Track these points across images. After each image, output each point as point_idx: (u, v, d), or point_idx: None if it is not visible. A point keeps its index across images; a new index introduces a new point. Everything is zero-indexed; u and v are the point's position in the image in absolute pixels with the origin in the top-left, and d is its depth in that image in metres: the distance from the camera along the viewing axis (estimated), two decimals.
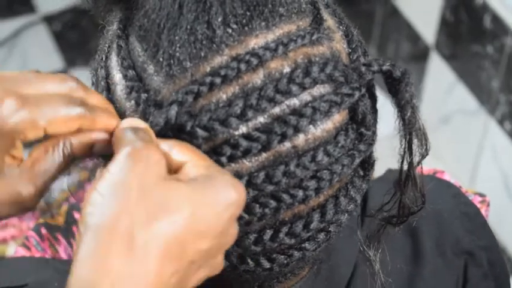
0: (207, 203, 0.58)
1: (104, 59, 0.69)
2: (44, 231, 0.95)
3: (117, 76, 0.67)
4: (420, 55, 2.41)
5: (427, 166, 0.86)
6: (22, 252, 0.94)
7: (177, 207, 0.57)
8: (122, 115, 0.66)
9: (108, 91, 0.68)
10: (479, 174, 2.26)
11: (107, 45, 0.70)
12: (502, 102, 2.13)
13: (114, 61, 0.68)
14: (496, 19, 2.08)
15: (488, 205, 1.00)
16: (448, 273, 0.90)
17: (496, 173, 2.20)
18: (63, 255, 0.94)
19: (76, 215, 0.97)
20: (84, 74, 2.52)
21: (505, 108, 2.12)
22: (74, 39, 2.54)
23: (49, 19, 2.59)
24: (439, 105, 2.36)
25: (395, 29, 2.50)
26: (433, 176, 0.98)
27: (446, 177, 0.99)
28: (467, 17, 2.18)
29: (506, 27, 2.05)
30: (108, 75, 0.68)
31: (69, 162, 0.63)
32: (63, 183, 1.12)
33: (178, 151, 0.61)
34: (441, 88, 2.33)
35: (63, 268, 0.88)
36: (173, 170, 0.61)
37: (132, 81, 0.66)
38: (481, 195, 1.01)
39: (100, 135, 0.63)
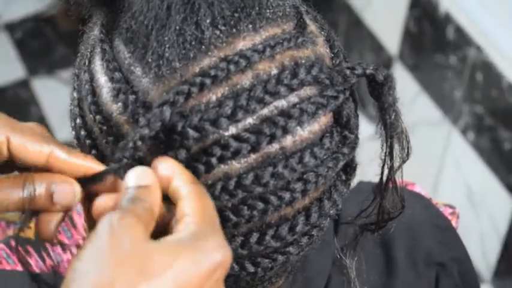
0: (191, 267, 0.57)
1: (86, 63, 0.69)
2: (13, 243, 0.94)
3: (102, 79, 0.67)
4: (383, 65, 2.42)
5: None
6: None
7: (159, 273, 0.56)
8: (108, 117, 0.66)
9: (93, 94, 0.67)
10: (442, 184, 2.28)
11: (89, 50, 0.70)
12: (465, 112, 2.15)
13: (98, 65, 0.68)
14: (459, 30, 2.10)
15: (458, 217, 1.01)
16: (420, 284, 0.91)
17: (458, 183, 2.22)
18: (35, 269, 0.92)
19: None
20: (46, 83, 2.50)
21: (468, 119, 2.14)
22: (36, 48, 2.51)
23: (10, 27, 2.57)
24: (403, 115, 2.36)
25: (358, 39, 2.52)
26: (404, 187, 0.99)
27: (417, 189, 1.00)
28: (431, 27, 2.20)
29: (468, 38, 2.07)
30: (92, 79, 0.68)
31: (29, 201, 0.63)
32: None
33: (187, 203, 0.60)
34: (405, 98, 2.34)
35: (29, 281, 0.87)
36: (176, 219, 0.60)
37: (119, 83, 0.65)
38: (451, 207, 1.02)
39: (63, 186, 0.63)
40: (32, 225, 0.96)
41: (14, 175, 0.63)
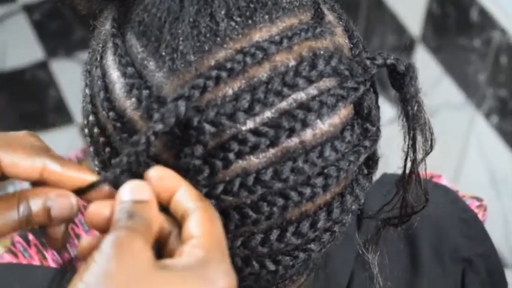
0: None
1: (98, 58, 0.67)
2: (31, 237, 0.93)
3: (115, 74, 0.65)
4: (406, 47, 2.40)
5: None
6: (8, 258, 0.92)
7: None
8: (122, 113, 0.64)
9: (106, 90, 0.65)
10: (465, 168, 2.26)
11: (100, 45, 0.68)
12: (488, 96, 2.12)
13: (110, 60, 0.66)
14: (483, 12, 2.07)
15: (485, 209, 0.99)
16: (445, 281, 0.89)
17: (482, 167, 2.19)
18: (51, 262, 0.91)
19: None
20: (65, 64, 2.50)
21: (491, 102, 2.11)
22: (55, 29, 2.50)
23: (29, 8, 2.56)
24: (425, 99, 2.34)
25: (380, 22, 2.49)
26: (429, 180, 0.97)
27: (444, 181, 0.97)
28: (454, 10, 2.17)
29: (493, 21, 2.04)
30: (104, 75, 0.66)
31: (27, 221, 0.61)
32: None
33: (195, 223, 0.58)
34: (427, 81, 2.32)
35: (50, 276, 0.86)
36: (181, 240, 0.58)
37: (132, 78, 0.63)
38: (478, 199, 1.00)
39: (59, 201, 0.61)
40: None
41: (7, 195, 0.61)
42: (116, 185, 0.60)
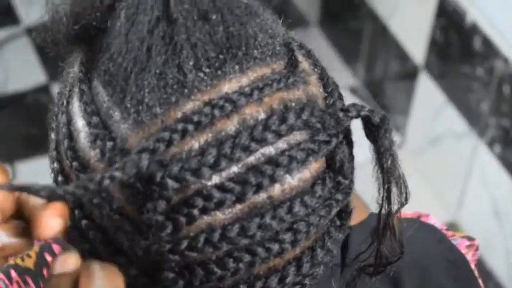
0: None
1: (65, 103, 0.66)
2: (13, 274, 0.91)
3: (80, 123, 0.63)
4: (409, 74, 2.39)
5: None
6: None
7: None
8: (86, 164, 0.62)
9: (71, 139, 0.64)
10: (467, 197, 2.24)
11: (67, 89, 0.66)
12: (491, 125, 2.10)
13: (76, 106, 0.64)
14: (486, 41, 2.05)
15: (477, 249, 0.97)
16: None
17: (484, 196, 2.18)
18: None
19: (47, 257, 0.94)
20: None
21: (494, 131, 2.10)
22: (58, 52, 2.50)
23: (32, 32, 2.56)
24: (428, 126, 2.33)
25: (384, 48, 2.48)
26: (416, 219, 0.95)
27: (432, 220, 0.96)
28: (457, 38, 2.16)
29: (496, 50, 2.03)
30: (70, 122, 0.64)
31: None
32: None
33: None
34: (430, 109, 2.30)
35: None
36: None
37: (96, 128, 0.62)
38: (470, 238, 0.98)
39: None
40: (33, 254, 0.93)
41: None
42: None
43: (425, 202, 2.22)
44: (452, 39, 2.18)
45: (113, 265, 0.59)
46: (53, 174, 0.68)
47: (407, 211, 0.90)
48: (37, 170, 2.25)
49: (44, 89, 2.44)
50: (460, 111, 2.21)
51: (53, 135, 0.67)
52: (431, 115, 2.30)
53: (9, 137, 2.34)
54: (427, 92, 2.31)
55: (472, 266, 0.93)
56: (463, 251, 0.94)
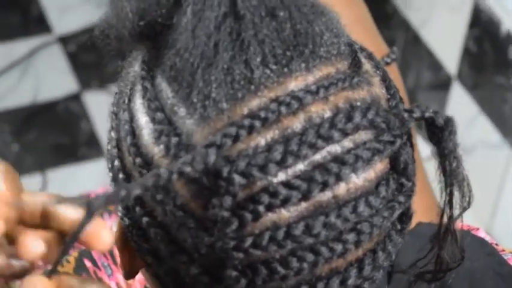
0: None
1: (126, 101, 0.66)
2: None
3: (143, 119, 0.63)
4: (442, 85, 2.38)
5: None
6: None
7: None
8: (149, 160, 0.62)
9: (133, 135, 0.64)
10: (500, 210, 2.22)
11: (128, 87, 0.66)
12: None
13: (138, 104, 0.64)
14: None
15: None
16: None
17: None
18: None
19: (87, 263, 0.93)
20: (98, 96, 2.49)
21: None
22: (89, 61, 2.51)
23: (64, 40, 2.57)
24: (461, 137, 2.31)
25: (416, 57, 2.47)
26: (468, 231, 0.94)
27: (481, 234, 0.95)
28: (491, 47, 2.15)
29: None
30: (132, 119, 0.64)
31: None
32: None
33: None
34: (463, 119, 2.29)
35: None
36: None
37: (161, 124, 0.62)
38: None
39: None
40: (72, 259, 0.93)
41: None
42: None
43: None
44: (486, 49, 2.17)
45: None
46: (111, 173, 0.68)
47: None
48: (68, 179, 2.26)
49: (75, 97, 2.45)
50: (493, 121, 2.19)
51: (112, 134, 0.67)
52: (464, 125, 2.29)
53: (39, 146, 2.35)
54: (460, 103, 2.30)
55: None
56: None
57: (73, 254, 0.94)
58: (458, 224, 0.70)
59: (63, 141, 2.36)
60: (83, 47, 2.54)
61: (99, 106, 2.40)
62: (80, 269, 0.93)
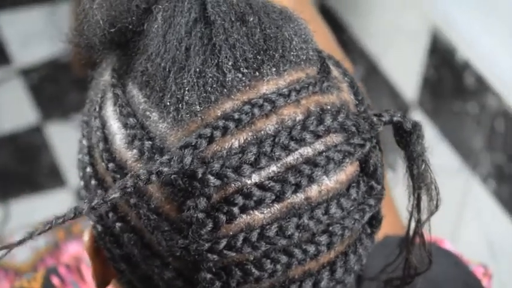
0: None
1: (97, 109, 0.66)
2: None
3: (115, 125, 0.64)
4: (402, 111, 2.40)
5: None
6: None
7: None
8: (123, 165, 0.62)
9: (105, 141, 0.64)
10: (461, 234, 2.24)
11: (99, 95, 0.67)
12: (485, 160, 2.11)
13: (110, 110, 0.65)
14: (478, 77, 2.07)
15: (490, 277, 0.97)
16: None
17: (479, 233, 2.18)
18: None
19: (54, 280, 0.93)
20: (60, 128, 2.47)
21: (488, 167, 2.11)
22: (51, 93, 2.50)
23: (25, 72, 2.56)
24: None
25: (376, 86, 2.50)
26: (433, 243, 0.95)
27: (447, 245, 0.96)
28: (449, 74, 2.18)
29: (488, 86, 2.05)
30: (104, 125, 0.65)
31: None
32: (37, 242, 1.06)
33: None
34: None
35: None
36: None
37: (133, 129, 0.62)
38: (484, 266, 0.98)
39: None
40: (39, 276, 0.92)
41: None
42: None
43: None
44: (444, 76, 2.20)
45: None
46: (82, 181, 0.68)
47: None
48: (30, 209, 2.24)
49: (37, 129, 2.44)
50: (453, 147, 2.22)
51: (84, 142, 0.68)
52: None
53: (1, 177, 2.33)
54: None
55: None
56: (480, 278, 0.94)
57: (40, 272, 0.94)
58: (426, 235, 0.71)
59: (24, 171, 2.35)
60: (44, 78, 2.53)
61: (60, 137, 2.39)
62: (47, 287, 0.93)
